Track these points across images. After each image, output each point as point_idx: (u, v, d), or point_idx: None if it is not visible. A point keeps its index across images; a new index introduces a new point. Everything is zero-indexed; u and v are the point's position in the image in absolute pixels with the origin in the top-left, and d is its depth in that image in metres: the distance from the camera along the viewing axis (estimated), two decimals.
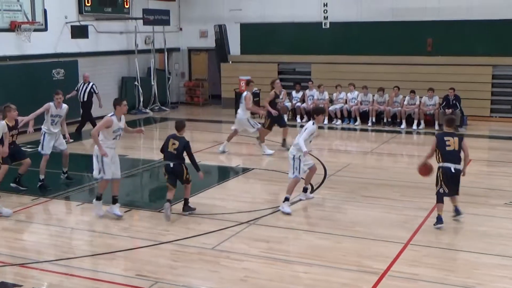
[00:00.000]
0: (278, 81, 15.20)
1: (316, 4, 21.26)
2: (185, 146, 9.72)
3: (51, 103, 11.43)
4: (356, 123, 18.94)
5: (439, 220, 8.96)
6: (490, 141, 17.13)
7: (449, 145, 9.17)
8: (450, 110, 17.85)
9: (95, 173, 9.77)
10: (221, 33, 22.68)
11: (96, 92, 17.22)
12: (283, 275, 7.34)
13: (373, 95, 19.07)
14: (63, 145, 11.73)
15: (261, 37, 22.60)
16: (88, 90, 17.16)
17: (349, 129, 18.70)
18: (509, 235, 8.72)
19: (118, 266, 7.77)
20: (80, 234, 9.08)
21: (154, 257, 7.99)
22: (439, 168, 9.18)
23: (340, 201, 10.60)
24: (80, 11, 19.39)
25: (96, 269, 7.67)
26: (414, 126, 18.23)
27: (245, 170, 13.00)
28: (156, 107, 22.21)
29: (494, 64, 19.36)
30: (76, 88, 17.19)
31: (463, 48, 19.63)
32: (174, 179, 9.70)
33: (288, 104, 19.85)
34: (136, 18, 21.13)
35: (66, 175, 11.98)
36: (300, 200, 10.51)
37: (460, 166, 9.14)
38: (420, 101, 18.40)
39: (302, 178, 10.29)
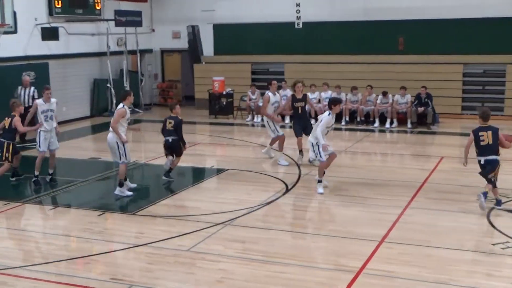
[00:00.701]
0: (299, 84, 13.32)
1: (289, 4, 21.31)
2: (179, 123, 11.69)
3: (39, 100, 11.73)
4: None
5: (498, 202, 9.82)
6: (462, 138, 17.27)
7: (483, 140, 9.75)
8: (423, 108, 18.06)
9: (120, 159, 10.89)
10: (194, 34, 22.60)
11: (36, 97, 15.70)
12: (259, 275, 7.34)
13: (346, 94, 19.19)
14: (55, 145, 11.92)
15: (234, 38, 22.59)
16: (31, 94, 16.47)
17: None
18: (482, 231, 8.85)
19: (92, 270, 7.68)
20: (54, 238, 8.96)
21: (129, 260, 7.93)
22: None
23: (315, 200, 10.63)
24: (51, 13, 19.15)
25: (71, 274, 7.56)
26: (387, 125, 18.39)
27: (219, 171, 12.98)
28: (130, 109, 22.00)
29: (465, 63, 19.63)
30: (15, 95, 16.24)
31: (434, 47, 19.88)
32: (171, 152, 11.84)
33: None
34: (107, 20, 20.94)
35: (50, 177, 12.02)
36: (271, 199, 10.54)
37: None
38: (392, 100, 18.57)
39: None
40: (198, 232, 8.92)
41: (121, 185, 11.03)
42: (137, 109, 22.24)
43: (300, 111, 13.13)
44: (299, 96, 13.15)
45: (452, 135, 17.38)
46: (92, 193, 11.91)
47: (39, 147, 11.76)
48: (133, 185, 11.45)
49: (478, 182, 11.52)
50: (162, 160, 14.05)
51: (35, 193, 11.45)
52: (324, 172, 11.11)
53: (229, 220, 9.45)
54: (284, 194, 10.98)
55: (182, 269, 7.59)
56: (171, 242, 8.50)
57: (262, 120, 15.00)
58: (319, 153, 10.86)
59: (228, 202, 10.57)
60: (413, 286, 6.98)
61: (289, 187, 11.36)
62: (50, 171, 12.04)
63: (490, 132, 9.75)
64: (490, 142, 9.71)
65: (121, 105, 11.09)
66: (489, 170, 9.78)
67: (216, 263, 7.78)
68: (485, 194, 9.59)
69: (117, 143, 10.79)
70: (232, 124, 19.49)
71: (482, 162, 9.81)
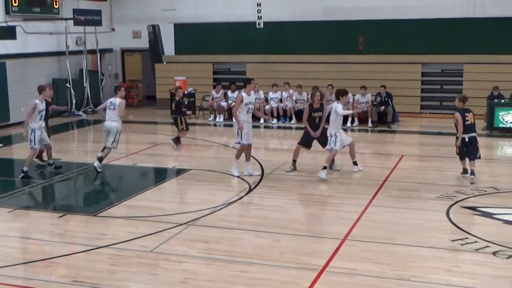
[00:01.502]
0: (318, 93, 12.67)
1: (249, 4, 21.33)
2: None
3: (37, 101, 12.15)
4: (292, 122, 19.13)
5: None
6: (421, 136, 17.66)
7: (468, 120, 11.43)
8: (383, 107, 18.29)
9: (111, 144, 12.44)
10: (154, 34, 22.42)
11: None
12: (223, 275, 7.32)
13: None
14: (46, 139, 12.60)
15: (195, 37, 22.50)
16: None
17: (285, 127, 18.86)
18: (442, 227, 8.99)
19: (53, 273, 7.54)
20: (12, 241, 8.76)
21: (91, 262, 7.80)
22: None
23: (278, 199, 10.66)
24: (7, 12, 18.73)
25: (30, 277, 7.41)
26: (349, 124, 18.54)
27: (181, 171, 12.90)
28: (89, 109, 21.73)
29: (423, 62, 19.97)
30: None
31: (394, 47, 20.17)
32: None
33: (224, 104, 19.86)
34: (66, 19, 20.60)
35: (54, 165, 12.77)
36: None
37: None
38: (353, 99, 18.74)
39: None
40: (161, 232, 8.84)
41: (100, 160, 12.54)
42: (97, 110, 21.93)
43: (317, 121, 12.36)
44: (317, 105, 12.49)
45: (411, 133, 17.66)
46: (52, 194, 11.70)
47: (34, 144, 12.19)
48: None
49: (438, 179, 11.78)
50: (123, 160, 13.94)
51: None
52: (334, 161, 12.31)
53: (192, 220, 9.40)
54: (247, 193, 10.98)
55: (145, 270, 7.51)
56: (133, 243, 8.41)
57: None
58: (335, 142, 11.85)
59: (191, 202, 10.52)
60: (376, 283, 7.06)
61: (252, 186, 11.36)
62: (51, 161, 12.80)
63: (471, 113, 11.56)
64: (473, 121, 11.51)
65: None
66: (474, 148, 11.47)
67: (179, 263, 7.73)
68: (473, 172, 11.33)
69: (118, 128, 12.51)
70: (194, 124, 19.40)
71: (467, 139, 11.41)
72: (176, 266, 7.62)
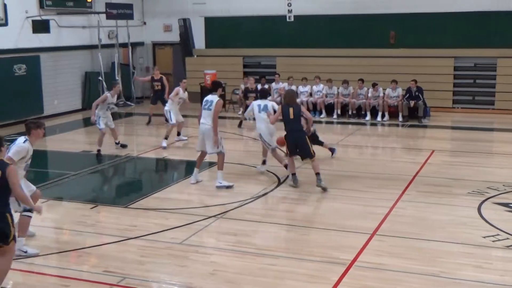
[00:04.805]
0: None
1: None
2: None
3: (108, 94, 13.90)
4: (322, 116, 19.08)
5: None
6: (453, 131, 17.45)
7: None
8: (413, 102, 18.13)
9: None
10: (185, 27, 22.55)
11: None
12: (251, 268, 7.37)
13: (338, 88, 19.23)
14: (111, 123, 14.05)
15: (225, 31, 22.55)
16: None
17: (314, 121, 18.75)
18: (472, 224, 8.90)
19: (85, 262, 7.69)
20: (45, 231, 8.94)
21: (121, 253, 7.93)
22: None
23: (306, 193, 10.65)
24: (41, 6, 19.03)
25: (63, 266, 7.57)
26: (379, 118, 18.44)
27: (211, 164, 12.98)
28: (121, 102, 21.97)
29: (456, 56, 19.69)
30: None
31: (426, 40, 19.92)
32: None
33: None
34: (98, 13, 20.84)
35: (119, 143, 14.31)
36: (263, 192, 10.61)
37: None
38: (384, 93, 18.63)
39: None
40: (191, 225, 8.93)
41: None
42: (128, 102, 22.21)
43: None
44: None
45: (443, 128, 17.47)
46: (84, 186, 11.90)
47: (101, 126, 13.64)
48: None
49: (469, 175, 11.65)
50: (154, 153, 14.10)
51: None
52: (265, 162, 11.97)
53: (221, 213, 9.47)
54: (276, 187, 11.01)
55: (174, 262, 7.61)
56: (163, 235, 8.51)
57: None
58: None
59: (220, 195, 10.59)
60: (404, 278, 7.04)
61: (281, 180, 11.39)
62: (117, 141, 14.39)
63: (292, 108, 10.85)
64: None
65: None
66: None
67: (208, 255, 7.81)
68: None
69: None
70: (224, 117, 19.46)
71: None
72: (205, 258, 7.70)
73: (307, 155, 10.83)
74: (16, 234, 6.74)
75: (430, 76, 19.46)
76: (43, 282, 7.08)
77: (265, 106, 11.62)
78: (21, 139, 7.84)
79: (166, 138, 14.42)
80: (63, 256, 7.91)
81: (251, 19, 21.99)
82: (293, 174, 10.97)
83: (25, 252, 7.78)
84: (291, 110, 10.78)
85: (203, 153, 11.28)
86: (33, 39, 18.74)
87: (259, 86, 19.87)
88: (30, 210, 7.63)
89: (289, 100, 11.13)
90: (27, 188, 7.89)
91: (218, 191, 10.80)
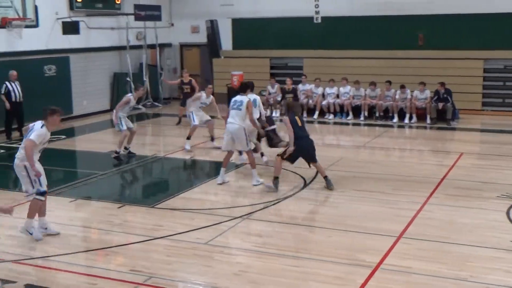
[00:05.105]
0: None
1: None
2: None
3: (131, 96, 13.51)
4: (349, 118, 19.00)
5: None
6: (482, 134, 17.22)
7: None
8: (442, 104, 17.94)
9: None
10: (212, 28, 22.64)
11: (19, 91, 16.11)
12: (276, 269, 7.37)
13: (365, 90, 19.13)
14: (130, 124, 13.69)
15: (253, 32, 22.59)
16: (19, 88, 16.07)
17: (341, 123, 18.75)
18: (502, 227, 8.77)
19: (112, 261, 7.77)
20: (73, 230, 9.06)
21: (148, 252, 8.00)
22: None
23: (332, 195, 10.62)
24: (71, 7, 19.30)
25: (90, 265, 7.67)
26: (406, 120, 18.29)
27: (238, 165, 13.01)
28: (149, 103, 22.17)
29: (485, 58, 19.44)
30: (5, 89, 15.88)
31: (454, 42, 19.69)
32: None
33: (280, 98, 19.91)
34: (127, 14, 21.05)
35: (129, 150, 13.74)
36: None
37: None
38: (411, 95, 18.47)
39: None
40: (216, 225, 8.97)
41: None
42: (156, 103, 22.38)
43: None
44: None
45: (472, 131, 17.24)
46: (112, 186, 12.03)
47: (123, 127, 13.38)
48: None
49: (498, 178, 11.48)
50: (181, 153, 14.17)
51: (60, 183, 11.58)
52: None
53: (247, 214, 9.49)
54: (302, 188, 11.00)
55: (200, 262, 7.64)
56: (189, 235, 8.56)
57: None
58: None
59: (246, 196, 10.61)
60: (431, 282, 6.96)
61: (307, 182, 11.37)
62: (128, 146, 13.75)
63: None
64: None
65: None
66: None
67: (233, 256, 7.84)
68: None
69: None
70: None
71: None
72: (230, 259, 7.72)
73: (313, 159, 10.95)
74: None
75: (459, 78, 19.21)
76: (71, 280, 7.17)
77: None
78: (38, 124, 8.43)
79: (188, 138, 14.42)
80: (90, 255, 8.00)
81: (278, 20, 21.99)
82: (277, 178, 10.83)
83: (31, 234, 8.42)
84: (297, 118, 10.96)
85: (230, 153, 11.37)
86: (63, 40, 19.00)
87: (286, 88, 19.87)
88: (41, 194, 8.39)
89: (294, 109, 11.39)
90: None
91: (244, 191, 10.82)
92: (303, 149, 10.80)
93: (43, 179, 8.43)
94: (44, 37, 18.32)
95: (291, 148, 10.65)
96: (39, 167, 8.35)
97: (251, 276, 7.18)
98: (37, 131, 8.30)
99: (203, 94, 14.69)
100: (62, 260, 7.71)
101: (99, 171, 12.53)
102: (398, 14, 20.32)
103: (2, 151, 14.67)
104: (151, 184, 12.53)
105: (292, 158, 10.87)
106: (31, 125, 8.57)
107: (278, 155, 10.92)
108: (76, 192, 11.12)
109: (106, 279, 7.15)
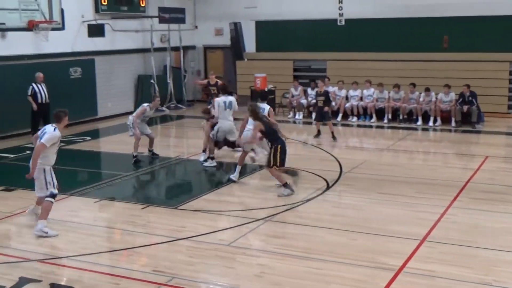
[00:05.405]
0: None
1: (331, 1, 21.16)
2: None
3: (147, 107, 13.37)
4: (372, 120, 18.91)
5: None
6: (508, 137, 17.00)
7: None
8: (467, 107, 17.77)
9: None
10: (236, 31, 22.71)
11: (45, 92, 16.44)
12: (298, 271, 7.36)
13: (389, 92, 19.02)
14: (146, 130, 13.72)
15: (276, 35, 22.62)
16: (45, 90, 16.34)
17: (365, 126, 18.67)
18: None
19: (135, 262, 7.84)
20: (97, 230, 9.16)
21: (171, 253, 8.05)
22: None
23: (355, 198, 10.58)
24: (97, 10, 19.55)
25: (114, 265, 7.73)
26: (430, 123, 18.15)
27: (261, 167, 13.02)
28: (172, 105, 22.32)
29: (511, 60, 19.20)
30: (31, 90, 16.15)
31: (479, 44, 19.49)
32: None
33: (304, 101, 19.89)
34: (151, 17, 21.23)
35: (151, 152, 13.87)
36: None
37: None
38: (436, 98, 18.32)
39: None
40: (239, 227, 8.99)
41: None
42: (180, 105, 22.51)
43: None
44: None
45: (497, 134, 17.05)
46: (135, 187, 12.13)
47: (133, 132, 13.33)
48: None
49: None
50: (204, 155, 14.20)
51: (83, 184, 11.71)
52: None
53: (269, 216, 9.50)
54: (324, 191, 10.98)
55: (222, 263, 7.67)
56: (212, 237, 8.59)
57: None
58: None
59: (269, 198, 10.62)
60: (455, 285, 6.90)
61: (330, 184, 11.34)
62: (151, 149, 13.90)
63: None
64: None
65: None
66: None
67: (255, 258, 7.85)
68: None
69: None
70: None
71: None
72: (252, 261, 7.74)
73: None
74: None
75: (485, 80, 19.00)
76: (95, 279, 7.24)
77: (230, 103, 12.46)
78: (50, 127, 8.76)
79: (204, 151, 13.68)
80: (114, 255, 8.08)
81: (302, 22, 21.98)
82: (286, 183, 10.75)
83: (46, 233, 8.64)
84: (266, 120, 11.01)
85: (245, 152, 11.93)
86: (88, 42, 19.24)
87: (309, 90, 19.84)
88: (53, 196, 8.78)
89: (255, 114, 10.94)
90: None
91: (267, 194, 10.83)
92: (284, 151, 10.79)
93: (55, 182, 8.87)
94: (70, 39, 18.56)
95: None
96: (51, 171, 8.81)
97: (273, 278, 7.18)
98: (49, 134, 8.60)
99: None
100: (86, 260, 7.80)
101: (123, 172, 12.64)
102: (422, 16, 20.18)
103: (28, 152, 14.85)
104: (174, 185, 12.61)
105: (282, 161, 10.77)
106: (39, 132, 8.89)
107: (269, 167, 10.77)
108: (101, 193, 11.23)
109: (129, 279, 7.21)
